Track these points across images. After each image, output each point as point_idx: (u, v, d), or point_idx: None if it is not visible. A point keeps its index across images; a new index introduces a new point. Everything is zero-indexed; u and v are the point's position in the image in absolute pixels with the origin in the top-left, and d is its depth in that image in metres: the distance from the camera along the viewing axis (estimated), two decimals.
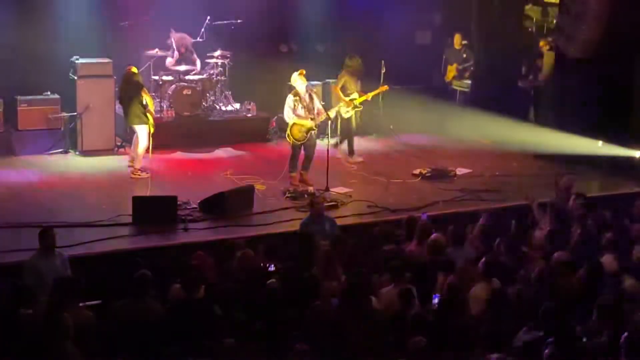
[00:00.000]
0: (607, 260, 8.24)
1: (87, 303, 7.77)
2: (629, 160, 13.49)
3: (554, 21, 15.05)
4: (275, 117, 14.28)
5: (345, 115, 13.15)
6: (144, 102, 12.21)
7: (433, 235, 8.58)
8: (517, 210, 10.30)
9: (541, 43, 15.37)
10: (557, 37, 14.37)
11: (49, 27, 13.48)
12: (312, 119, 11.88)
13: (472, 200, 11.79)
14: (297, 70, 11.98)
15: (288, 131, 11.98)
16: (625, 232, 8.99)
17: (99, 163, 12.96)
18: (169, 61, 14.36)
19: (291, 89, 12.18)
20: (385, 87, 13.57)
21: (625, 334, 6.31)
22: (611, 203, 10.70)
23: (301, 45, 16.09)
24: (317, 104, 12.02)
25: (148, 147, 12.27)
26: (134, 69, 12.53)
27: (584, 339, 6.66)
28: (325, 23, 15.67)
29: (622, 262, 8.19)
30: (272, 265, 7.81)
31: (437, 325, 6.74)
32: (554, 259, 7.94)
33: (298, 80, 11.87)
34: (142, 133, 12.19)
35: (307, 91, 11.95)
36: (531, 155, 14.05)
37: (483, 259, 7.69)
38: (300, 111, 11.88)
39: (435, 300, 7.20)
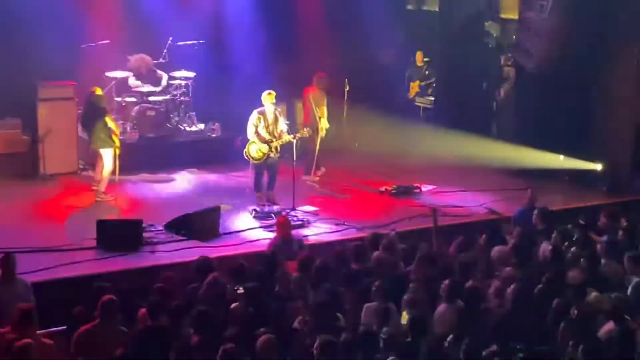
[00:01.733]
0: (573, 274, 8.30)
1: (52, 330, 7.68)
2: (591, 173, 13.67)
3: (514, 37, 15.22)
4: (240, 137, 14.23)
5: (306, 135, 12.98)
6: (108, 125, 12.12)
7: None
8: (485, 225, 10.35)
9: (504, 61, 15.53)
10: (517, 53, 14.54)
11: (10, 51, 13.34)
12: (271, 141, 11.83)
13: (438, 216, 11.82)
14: (266, 91, 11.92)
15: (246, 149, 11.94)
16: (590, 245, 9.06)
17: (62, 186, 12.81)
18: (132, 83, 14.28)
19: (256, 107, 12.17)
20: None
21: (581, 346, 6.35)
22: (574, 216, 10.80)
23: (265, 65, 16.10)
24: (281, 126, 11.98)
25: (114, 170, 12.18)
26: (98, 91, 12.45)
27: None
28: (289, 42, 15.70)
29: (587, 275, 8.26)
30: (241, 288, 7.76)
31: (407, 344, 6.75)
32: (513, 276, 7.99)
33: (266, 100, 11.85)
34: (107, 156, 12.10)
35: (273, 112, 11.92)
36: (494, 170, 14.17)
37: (447, 281, 7.72)
38: (262, 130, 11.85)
39: (404, 315, 7.20)
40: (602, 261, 8.58)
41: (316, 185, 13.29)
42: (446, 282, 7.70)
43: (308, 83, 13.87)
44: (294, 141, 11.92)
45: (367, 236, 9.70)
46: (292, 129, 12.33)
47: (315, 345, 6.45)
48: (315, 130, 13.34)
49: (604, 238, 9.26)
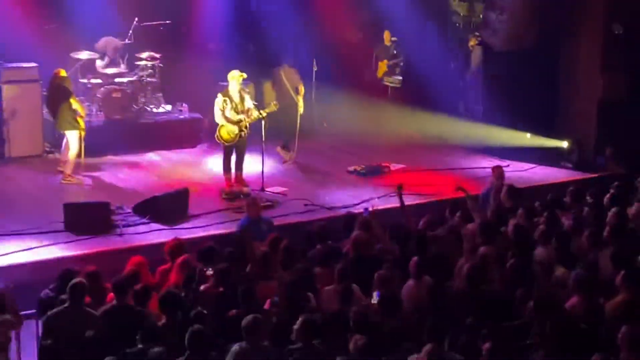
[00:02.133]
0: (540, 251, 8.38)
1: (21, 314, 7.62)
2: (557, 150, 13.80)
3: (480, 16, 15.26)
4: (209, 118, 14.17)
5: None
6: (73, 107, 12.00)
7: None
8: (452, 203, 10.39)
9: (471, 40, 15.59)
10: (484, 32, 14.59)
11: None
12: (240, 121, 11.79)
13: (406, 195, 11.87)
14: (235, 70, 11.85)
15: (217, 133, 11.88)
16: (557, 222, 9.15)
17: (28, 169, 12.68)
18: (99, 64, 14.14)
19: (224, 88, 12.09)
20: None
21: (549, 321, 6.43)
22: (542, 193, 10.91)
23: (231, 45, 16.03)
24: (249, 104, 11.94)
25: (80, 152, 12.07)
26: (62, 72, 12.31)
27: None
28: (255, 22, 15.63)
29: (555, 253, 8.34)
30: (210, 269, 7.76)
31: (377, 323, 6.78)
32: (479, 254, 8.07)
33: (234, 81, 11.77)
34: (73, 138, 11.98)
35: (238, 92, 11.86)
36: (462, 149, 14.26)
37: (414, 259, 7.76)
38: (229, 113, 11.76)
39: (375, 297, 7.23)
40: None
41: (288, 163, 13.26)
42: (414, 258, 7.75)
43: (275, 63, 13.84)
44: (263, 119, 11.85)
45: (343, 216, 9.70)
46: (260, 107, 12.28)
47: (296, 324, 6.48)
48: (294, 108, 13.38)
49: (571, 215, 9.36)
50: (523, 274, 7.58)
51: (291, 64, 13.81)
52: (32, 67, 13.35)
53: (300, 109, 13.49)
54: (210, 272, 7.75)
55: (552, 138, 13.80)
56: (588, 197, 10.13)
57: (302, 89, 13.61)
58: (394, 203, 11.32)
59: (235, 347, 6.34)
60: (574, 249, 8.50)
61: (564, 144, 13.78)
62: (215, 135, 11.91)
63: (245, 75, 11.88)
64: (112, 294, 7.54)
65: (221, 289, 7.58)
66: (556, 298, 7.15)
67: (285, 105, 13.08)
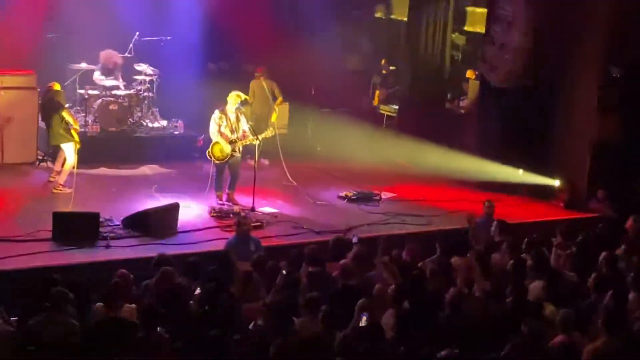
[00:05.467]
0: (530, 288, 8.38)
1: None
2: (549, 188, 13.83)
3: (479, 51, 15.36)
4: (203, 136, 14.18)
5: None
6: (66, 120, 11.97)
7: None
8: (441, 235, 10.40)
9: (468, 72, 15.66)
10: (482, 66, 14.66)
11: None
12: (234, 142, 11.83)
13: (396, 224, 11.90)
14: (235, 91, 11.94)
15: (209, 150, 11.92)
16: (544, 260, 9.15)
17: (20, 176, 12.64)
18: (97, 76, 14.16)
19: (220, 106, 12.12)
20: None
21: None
22: (531, 231, 10.91)
23: (230, 65, 16.09)
24: (244, 126, 12.00)
25: (75, 164, 12.03)
26: (57, 86, 12.32)
27: None
28: (256, 43, 15.69)
29: (544, 291, 8.34)
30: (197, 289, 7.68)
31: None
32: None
33: (231, 100, 11.84)
34: (69, 151, 11.93)
35: (235, 112, 11.92)
36: (454, 181, 14.28)
37: (393, 285, 7.74)
38: (225, 130, 11.83)
39: (363, 319, 7.21)
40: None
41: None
42: (392, 287, 7.71)
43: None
44: (258, 144, 11.89)
45: (331, 239, 9.68)
46: (257, 130, 12.29)
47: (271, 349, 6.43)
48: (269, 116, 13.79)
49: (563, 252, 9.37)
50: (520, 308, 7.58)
51: (267, 76, 14.10)
52: (30, 74, 13.35)
53: (274, 117, 13.72)
54: (197, 292, 7.66)
55: (544, 175, 13.83)
56: (578, 237, 10.13)
57: (280, 99, 14.06)
58: (382, 231, 11.41)
59: None
60: (562, 287, 8.49)
61: (556, 183, 13.81)
62: (207, 152, 11.94)
63: (243, 96, 11.98)
64: (98, 305, 7.50)
65: (206, 307, 7.54)
66: (542, 336, 7.15)
67: (266, 114, 13.57)
